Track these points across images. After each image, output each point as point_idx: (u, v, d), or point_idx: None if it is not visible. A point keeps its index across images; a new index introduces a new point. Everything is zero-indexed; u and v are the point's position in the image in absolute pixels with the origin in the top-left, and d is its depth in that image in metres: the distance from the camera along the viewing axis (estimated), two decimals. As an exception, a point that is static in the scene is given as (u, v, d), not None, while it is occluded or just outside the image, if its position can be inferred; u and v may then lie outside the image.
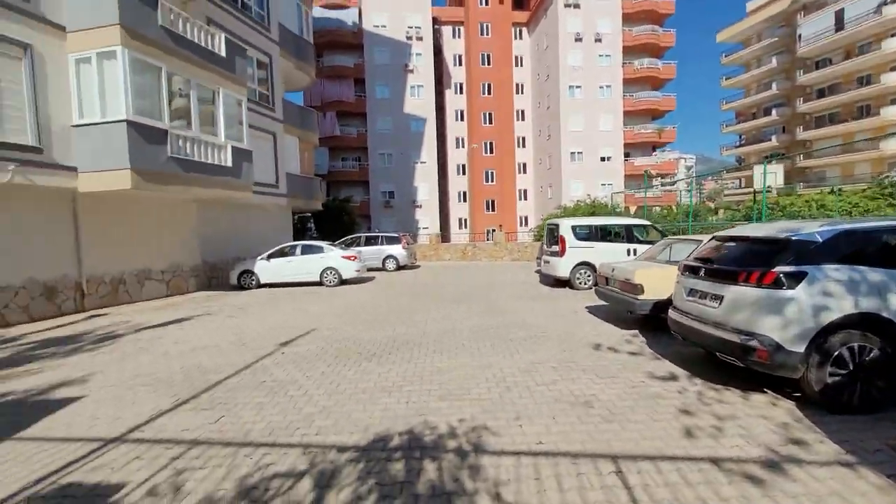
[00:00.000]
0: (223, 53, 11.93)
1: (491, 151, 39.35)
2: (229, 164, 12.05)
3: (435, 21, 38.72)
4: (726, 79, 46.18)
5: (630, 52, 36.89)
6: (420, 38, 36.43)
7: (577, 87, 35.61)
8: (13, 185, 8.58)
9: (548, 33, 36.95)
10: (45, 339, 7.51)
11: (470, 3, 38.29)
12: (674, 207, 31.57)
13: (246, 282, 13.46)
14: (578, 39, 35.37)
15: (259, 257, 13.60)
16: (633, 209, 30.64)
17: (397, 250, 18.03)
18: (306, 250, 13.81)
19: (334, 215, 24.94)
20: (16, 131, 8.68)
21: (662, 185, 39.45)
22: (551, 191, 37.18)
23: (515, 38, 40.94)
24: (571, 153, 35.77)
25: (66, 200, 9.88)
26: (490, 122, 39.17)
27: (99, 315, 9.75)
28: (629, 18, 36.74)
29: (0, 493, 2.84)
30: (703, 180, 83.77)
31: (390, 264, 17.92)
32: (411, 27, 36.21)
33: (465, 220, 39.66)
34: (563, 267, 10.96)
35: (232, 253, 14.89)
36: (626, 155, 37.67)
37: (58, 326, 8.62)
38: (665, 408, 3.83)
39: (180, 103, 10.90)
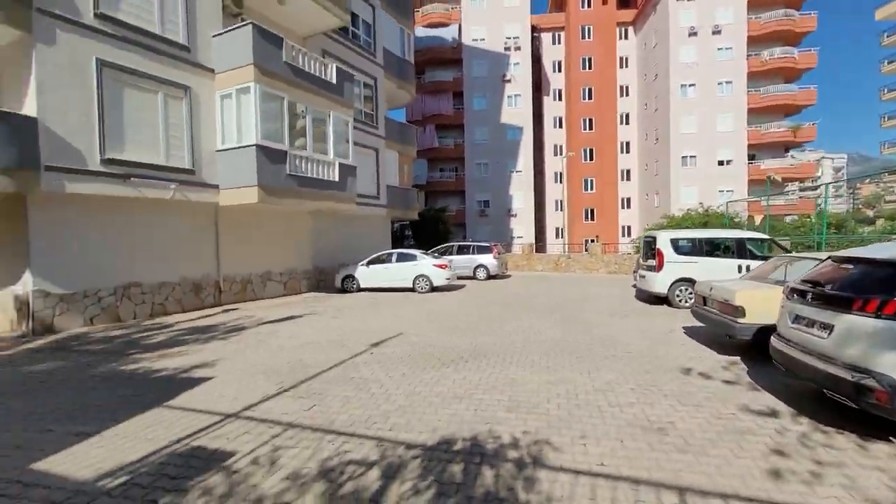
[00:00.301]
0: (334, 81, 13.35)
1: (591, 158, 37.84)
2: (336, 178, 13.40)
3: (534, 29, 38.57)
4: (888, 63, 38.62)
5: (757, 42, 32.85)
6: (518, 48, 36.56)
7: (691, 85, 32.73)
8: (174, 200, 10.60)
9: (657, 30, 34.58)
10: (192, 328, 9.12)
11: (571, 8, 37.47)
12: (812, 217, 27.24)
13: (348, 285, 14.76)
14: (693, 34, 32.55)
15: (360, 263, 14.84)
16: (758, 219, 27.11)
17: (488, 259, 18.27)
18: (401, 258, 14.73)
19: (430, 224, 26.10)
20: (177, 157, 10.73)
21: (801, 190, 34.21)
22: (658, 198, 34.51)
23: (620, 38, 39.00)
24: (683, 157, 32.90)
25: (210, 213, 11.88)
26: (590, 128, 37.71)
27: (231, 309, 11.50)
28: (756, 5, 32.80)
29: (150, 447, 3.63)
30: (858, 184, 70.44)
31: (481, 273, 18.22)
32: (510, 38, 36.52)
33: (562, 230, 38.48)
34: (659, 282, 10.22)
35: (338, 258, 16.44)
36: (751, 157, 33.47)
37: (201, 317, 10.38)
38: (754, 444, 3.49)
39: (297, 126, 12.45)
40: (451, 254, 18.51)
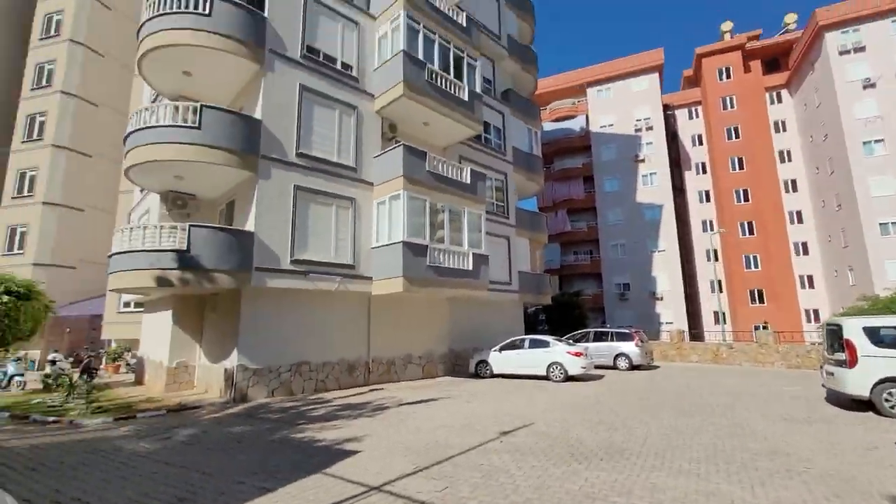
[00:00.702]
0: (468, 181, 15.01)
1: (751, 232, 33.52)
2: (470, 267, 14.43)
3: (666, 108, 37.94)
4: None
5: (968, 82, 26.92)
6: (650, 128, 36.05)
7: (878, 140, 27.76)
8: (337, 291, 12.65)
9: (818, 88, 31.00)
10: (345, 404, 10.29)
11: (706, 82, 36.28)
12: None
13: (482, 371, 15.01)
14: (869, 85, 28.33)
15: (493, 349, 15.11)
16: None
17: (629, 348, 16.85)
18: (533, 344, 14.61)
19: (564, 309, 25.42)
20: (342, 255, 12.99)
21: None
22: (853, 275, 28.25)
23: (772, 102, 35.85)
24: (881, 224, 26.96)
25: (364, 301, 13.74)
26: (746, 200, 33.92)
27: (377, 388, 12.64)
28: (957, 42, 27.45)
29: (312, 507, 4.28)
30: None
31: (622, 363, 16.79)
32: (640, 119, 36.42)
33: (723, 315, 33.49)
34: (853, 382, 8.22)
35: (472, 343, 16.99)
36: None
37: (352, 395, 11.64)
38: None
39: (436, 222, 14.07)
40: (587, 340, 17.59)
